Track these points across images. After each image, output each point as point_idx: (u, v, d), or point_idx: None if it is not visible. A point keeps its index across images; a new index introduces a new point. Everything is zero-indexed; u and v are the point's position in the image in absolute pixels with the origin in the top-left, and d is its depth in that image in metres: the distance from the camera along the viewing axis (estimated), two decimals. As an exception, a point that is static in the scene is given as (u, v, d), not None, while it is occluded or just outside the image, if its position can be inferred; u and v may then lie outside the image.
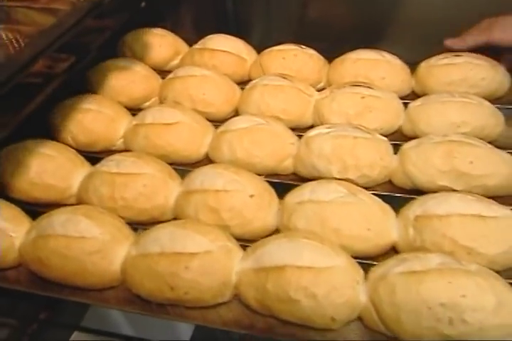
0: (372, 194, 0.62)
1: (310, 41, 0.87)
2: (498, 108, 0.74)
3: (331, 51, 0.86)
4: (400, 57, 0.83)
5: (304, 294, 0.49)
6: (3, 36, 0.55)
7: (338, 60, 0.84)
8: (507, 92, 0.79)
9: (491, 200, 0.57)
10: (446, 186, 0.62)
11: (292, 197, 0.61)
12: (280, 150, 0.68)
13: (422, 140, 0.66)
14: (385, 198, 0.62)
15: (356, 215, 0.56)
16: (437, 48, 0.83)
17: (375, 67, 0.80)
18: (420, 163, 0.63)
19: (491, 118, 0.70)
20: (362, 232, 0.56)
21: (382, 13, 0.96)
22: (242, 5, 1.06)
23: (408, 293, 0.48)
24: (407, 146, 0.66)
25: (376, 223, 0.57)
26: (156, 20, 1.02)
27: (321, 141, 0.67)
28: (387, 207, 0.59)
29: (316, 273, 0.50)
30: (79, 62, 0.77)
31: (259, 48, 0.90)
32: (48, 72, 0.72)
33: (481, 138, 0.68)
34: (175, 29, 0.99)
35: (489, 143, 0.68)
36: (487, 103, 0.71)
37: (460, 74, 0.77)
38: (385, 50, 0.82)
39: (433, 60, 0.80)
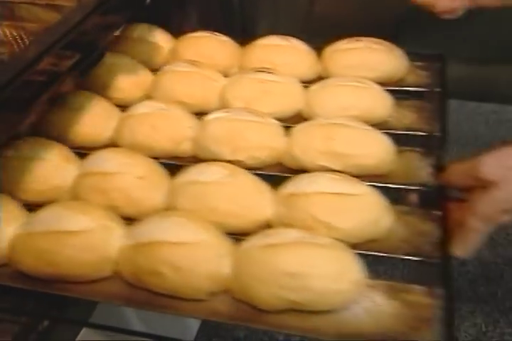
0: (262, 175, 0.66)
1: (319, 38, 0.86)
2: (395, 90, 0.78)
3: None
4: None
5: (170, 267, 0.53)
6: (7, 33, 0.54)
7: (248, 46, 0.87)
8: (406, 75, 0.82)
9: (357, 180, 0.61)
10: (326, 166, 0.66)
11: (180, 178, 0.65)
12: (177, 134, 0.71)
13: (310, 123, 0.70)
14: (277, 179, 0.66)
15: (231, 194, 0.60)
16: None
17: (280, 53, 0.83)
18: (303, 144, 0.67)
19: (379, 101, 0.74)
20: (236, 210, 0.60)
21: (394, 10, 0.93)
22: (249, 2, 1.04)
23: (262, 264, 0.52)
24: (295, 129, 0.70)
25: (250, 201, 0.61)
26: (160, 17, 0.99)
27: (216, 124, 0.70)
28: (264, 186, 0.63)
29: (181, 247, 0.54)
30: (84, 59, 0.74)
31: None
32: (52, 69, 0.68)
33: (369, 121, 0.72)
34: (180, 26, 0.98)
35: (379, 124, 0.73)
36: (376, 86, 0.75)
37: (358, 59, 0.80)
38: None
39: (336, 45, 0.83)
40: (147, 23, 0.93)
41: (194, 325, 1.20)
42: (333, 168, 0.65)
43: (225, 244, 0.56)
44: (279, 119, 0.74)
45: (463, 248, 0.58)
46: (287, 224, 0.59)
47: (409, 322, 0.52)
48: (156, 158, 0.70)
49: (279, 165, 0.70)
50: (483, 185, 0.57)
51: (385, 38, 0.83)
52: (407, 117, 0.75)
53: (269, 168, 0.70)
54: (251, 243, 0.55)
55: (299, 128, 0.69)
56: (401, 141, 0.72)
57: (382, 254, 0.58)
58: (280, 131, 0.71)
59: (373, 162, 0.66)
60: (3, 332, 0.58)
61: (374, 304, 0.54)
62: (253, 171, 0.67)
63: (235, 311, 0.54)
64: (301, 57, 0.84)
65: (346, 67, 0.80)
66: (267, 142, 0.68)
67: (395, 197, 0.66)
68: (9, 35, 0.53)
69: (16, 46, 0.51)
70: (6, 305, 0.59)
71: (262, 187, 0.63)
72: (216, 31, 0.90)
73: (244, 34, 0.92)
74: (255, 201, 0.61)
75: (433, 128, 0.72)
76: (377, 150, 0.66)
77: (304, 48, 0.85)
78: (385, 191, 0.65)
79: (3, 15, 0.56)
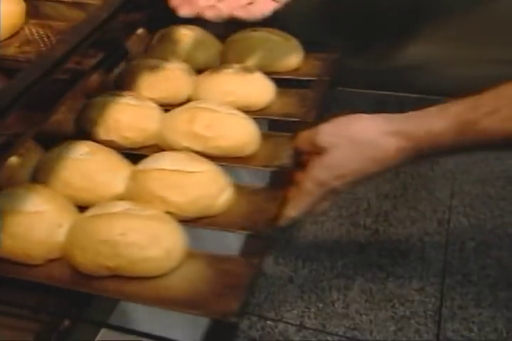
0: (135, 155, 0.70)
1: (334, 38, 0.91)
2: (283, 79, 0.80)
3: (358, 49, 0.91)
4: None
5: (6, 234, 0.58)
6: (34, 32, 0.56)
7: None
8: (301, 65, 0.84)
9: (202, 159, 0.65)
10: (188, 147, 0.69)
11: (50, 153, 0.68)
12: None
13: (181, 107, 0.73)
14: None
15: (84, 170, 0.65)
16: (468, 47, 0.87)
17: (183, 43, 0.87)
18: (170, 127, 0.71)
19: (259, 88, 0.77)
20: (88, 185, 0.64)
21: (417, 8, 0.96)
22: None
23: (84, 233, 0.56)
24: (168, 113, 0.74)
25: (102, 177, 0.65)
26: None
27: (93, 107, 0.74)
28: (122, 164, 0.67)
29: (18, 216, 0.58)
30: (107, 58, 0.73)
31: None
32: (77, 68, 0.66)
33: (249, 106, 0.75)
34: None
35: (260, 110, 0.76)
36: (259, 74, 0.78)
37: (253, 48, 0.83)
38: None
39: (235, 35, 0.86)
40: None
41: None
42: (195, 149, 0.69)
43: (65, 215, 0.60)
44: (170, 104, 0.78)
45: (296, 208, 0.61)
46: (134, 199, 0.63)
47: (218, 290, 0.55)
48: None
49: (156, 147, 0.74)
50: (319, 152, 0.59)
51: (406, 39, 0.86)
52: (289, 104, 0.77)
53: (145, 149, 0.74)
54: (85, 214, 0.59)
55: (170, 112, 0.73)
56: (278, 126, 0.75)
57: (214, 228, 0.61)
58: (155, 114, 0.74)
59: (233, 144, 0.69)
60: (25, 330, 0.58)
61: (192, 272, 0.57)
62: (126, 151, 0.71)
63: (66, 276, 0.58)
64: (206, 46, 0.87)
65: (241, 54, 0.83)
66: (137, 124, 0.72)
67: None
68: (36, 34, 0.55)
69: (42, 45, 0.53)
70: (30, 302, 0.59)
71: (119, 165, 0.67)
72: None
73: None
74: (107, 177, 0.65)
75: (308, 115, 0.75)
76: (237, 132, 0.69)
77: (208, 38, 0.88)
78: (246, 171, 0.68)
79: (29, 13, 0.57)
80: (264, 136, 0.71)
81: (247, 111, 0.74)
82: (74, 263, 0.57)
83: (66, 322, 0.59)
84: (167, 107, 0.77)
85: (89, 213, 0.59)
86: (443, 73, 1.02)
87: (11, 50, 0.50)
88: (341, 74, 0.82)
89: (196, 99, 0.78)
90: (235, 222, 0.62)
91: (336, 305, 1.23)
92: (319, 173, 0.59)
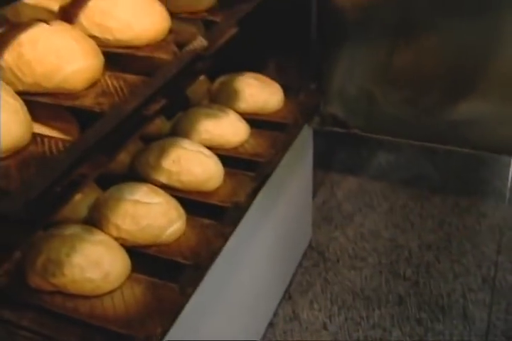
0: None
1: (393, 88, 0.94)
2: (261, 120, 0.86)
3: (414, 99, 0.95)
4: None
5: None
6: (109, 84, 0.57)
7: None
8: (281, 107, 0.90)
9: (160, 191, 0.72)
10: (155, 179, 0.76)
11: None
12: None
13: (157, 142, 0.81)
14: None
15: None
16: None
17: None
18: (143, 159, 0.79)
19: (233, 128, 0.83)
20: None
21: (472, 66, 0.95)
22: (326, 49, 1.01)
23: (36, 249, 0.64)
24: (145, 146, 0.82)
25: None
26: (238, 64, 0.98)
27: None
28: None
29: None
30: (169, 103, 0.72)
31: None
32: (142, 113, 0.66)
33: (223, 144, 0.81)
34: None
35: (234, 148, 0.82)
36: (233, 116, 0.84)
37: (235, 90, 0.89)
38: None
39: (223, 76, 0.93)
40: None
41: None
42: (161, 181, 0.76)
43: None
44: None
45: None
46: (94, 223, 0.71)
47: (147, 314, 0.60)
48: None
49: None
50: None
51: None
52: (260, 145, 0.82)
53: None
54: (44, 232, 0.67)
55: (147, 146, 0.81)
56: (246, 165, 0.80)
57: (160, 255, 0.67)
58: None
59: (195, 179, 0.75)
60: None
61: (129, 295, 0.63)
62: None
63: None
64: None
65: (227, 96, 0.90)
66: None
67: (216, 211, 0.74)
68: (111, 86, 0.57)
69: (116, 97, 0.54)
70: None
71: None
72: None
73: (320, 81, 0.94)
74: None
75: (275, 157, 0.79)
76: (199, 169, 0.75)
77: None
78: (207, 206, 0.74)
79: (107, 65, 0.59)
80: (229, 174, 0.77)
81: (221, 148, 0.80)
82: (25, 278, 0.64)
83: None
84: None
85: (47, 232, 0.67)
86: (496, 130, 0.99)
87: (87, 101, 0.54)
88: (389, 124, 0.84)
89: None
90: (180, 252, 0.67)
91: (370, 358, 1.19)
92: None
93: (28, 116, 0.51)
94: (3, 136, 0.47)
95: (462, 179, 1.60)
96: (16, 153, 0.49)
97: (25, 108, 0.52)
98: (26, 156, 0.49)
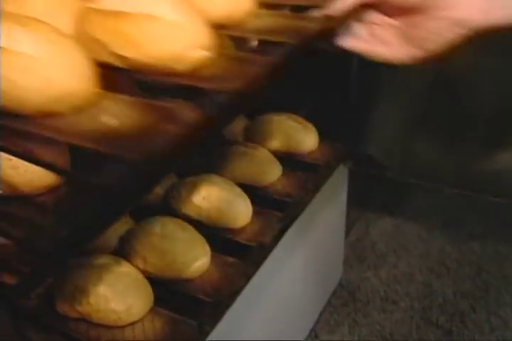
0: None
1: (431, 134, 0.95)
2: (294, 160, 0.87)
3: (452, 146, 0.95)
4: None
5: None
6: None
7: None
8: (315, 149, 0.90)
9: (186, 225, 0.73)
10: (186, 214, 0.78)
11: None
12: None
13: (191, 178, 0.83)
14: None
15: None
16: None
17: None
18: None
19: (265, 167, 0.84)
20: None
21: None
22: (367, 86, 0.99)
23: (66, 278, 0.67)
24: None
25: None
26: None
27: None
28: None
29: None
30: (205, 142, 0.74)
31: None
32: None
33: (253, 182, 0.83)
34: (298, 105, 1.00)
35: (266, 186, 0.83)
36: (267, 155, 0.86)
37: (275, 129, 0.91)
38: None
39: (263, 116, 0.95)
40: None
41: None
42: (192, 216, 0.78)
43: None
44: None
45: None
46: (124, 254, 0.73)
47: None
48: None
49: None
50: None
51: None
52: (291, 185, 0.83)
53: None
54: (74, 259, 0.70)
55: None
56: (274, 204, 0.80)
57: (179, 290, 0.68)
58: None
59: (224, 216, 0.76)
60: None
61: (149, 328, 0.64)
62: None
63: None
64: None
65: (262, 135, 0.92)
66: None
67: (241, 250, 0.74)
68: None
69: None
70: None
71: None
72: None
73: (357, 124, 0.94)
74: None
75: (305, 198, 0.80)
76: (228, 207, 0.76)
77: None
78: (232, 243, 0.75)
79: None
80: (258, 213, 0.78)
81: (252, 186, 0.81)
82: (54, 303, 0.67)
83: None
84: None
85: (77, 260, 0.69)
86: None
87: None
88: (425, 169, 0.84)
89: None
90: (202, 288, 0.68)
91: None
92: None
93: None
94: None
95: (503, 225, 1.54)
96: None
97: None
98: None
